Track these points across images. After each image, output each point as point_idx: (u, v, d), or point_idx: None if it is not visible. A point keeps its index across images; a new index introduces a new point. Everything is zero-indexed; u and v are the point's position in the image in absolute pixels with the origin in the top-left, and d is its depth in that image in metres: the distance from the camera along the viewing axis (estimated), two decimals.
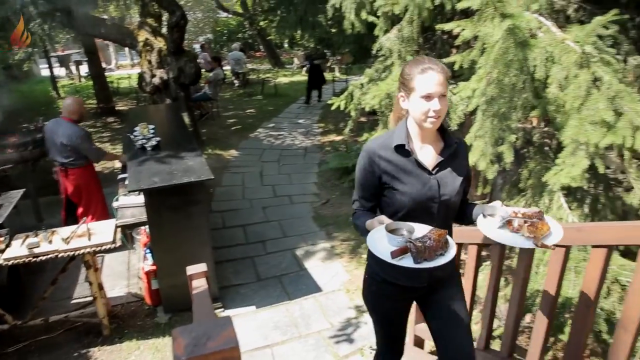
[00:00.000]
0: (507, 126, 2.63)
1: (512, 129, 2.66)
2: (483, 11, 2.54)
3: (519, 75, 2.50)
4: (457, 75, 3.12)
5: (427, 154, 1.80)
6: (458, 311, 1.94)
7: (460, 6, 2.59)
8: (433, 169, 1.77)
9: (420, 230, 1.61)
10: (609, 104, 2.21)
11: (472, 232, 2.39)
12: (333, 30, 8.96)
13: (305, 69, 12.24)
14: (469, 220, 1.90)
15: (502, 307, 3.21)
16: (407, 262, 1.49)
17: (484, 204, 1.89)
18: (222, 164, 7.91)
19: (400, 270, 1.54)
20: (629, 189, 2.97)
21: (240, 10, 20.02)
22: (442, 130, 1.83)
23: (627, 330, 1.81)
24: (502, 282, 3.13)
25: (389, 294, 1.95)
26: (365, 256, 4.74)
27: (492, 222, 1.68)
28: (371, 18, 3.79)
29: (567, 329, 2.52)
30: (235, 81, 15.27)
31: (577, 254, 2.59)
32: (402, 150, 1.76)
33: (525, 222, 1.61)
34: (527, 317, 3.33)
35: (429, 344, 3.11)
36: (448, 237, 1.58)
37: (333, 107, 3.95)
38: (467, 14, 3.00)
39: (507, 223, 1.65)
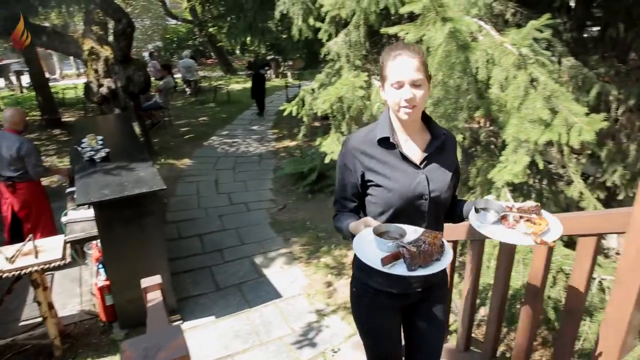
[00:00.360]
0: (454, 126, 2.72)
1: (460, 129, 2.76)
2: (425, 15, 2.61)
3: (463, 77, 2.59)
4: None
5: (413, 147, 1.64)
6: (439, 320, 1.85)
7: (403, 10, 2.66)
8: (420, 163, 1.62)
9: (412, 233, 1.46)
10: (545, 103, 2.33)
11: None
12: (283, 36, 8.97)
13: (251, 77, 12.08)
14: (460, 218, 1.77)
15: (458, 302, 3.31)
16: (399, 269, 1.34)
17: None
18: (176, 173, 7.75)
19: (393, 277, 1.38)
20: (570, 182, 3.14)
21: (189, 17, 19.74)
22: (428, 121, 1.69)
23: (571, 316, 1.90)
24: (456, 277, 3.23)
25: (382, 305, 1.78)
26: (324, 260, 4.79)
27: (486, 217, 1.54)
28: (319, 24, 3.83)
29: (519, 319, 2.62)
30: (187, 89, 15.03)
31: (525, 246, 2.69)
32: (387, 143, 1.60)
33: (521, 217, 1.50)
34: (482, 311, 3.45)
35: None
36: (443, 239, 1.44)
37: (285, 113, 3.97)
38: (412, 18, 3.09)
39: (502, 219, 1.52)
